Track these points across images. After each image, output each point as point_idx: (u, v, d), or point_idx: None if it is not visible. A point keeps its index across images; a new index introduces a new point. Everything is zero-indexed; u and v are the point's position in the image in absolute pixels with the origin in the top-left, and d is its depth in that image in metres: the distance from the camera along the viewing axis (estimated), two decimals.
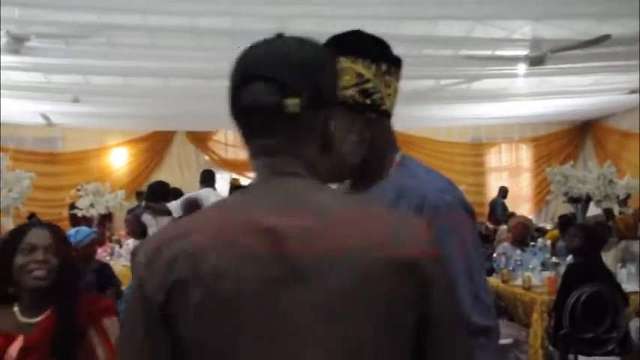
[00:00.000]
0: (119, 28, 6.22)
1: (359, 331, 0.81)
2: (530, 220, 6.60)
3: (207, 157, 12.03)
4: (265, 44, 0.91)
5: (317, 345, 0.80)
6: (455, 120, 11.26)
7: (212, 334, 0.83)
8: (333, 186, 1.21)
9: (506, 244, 5.77)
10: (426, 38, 6.55)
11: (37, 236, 1.86)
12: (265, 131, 0.90)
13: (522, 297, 4.58)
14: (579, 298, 3.81)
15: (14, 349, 1.76)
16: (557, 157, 11.82)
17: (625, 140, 10.65)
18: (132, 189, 10.41)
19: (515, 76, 7.48)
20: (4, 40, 5.72)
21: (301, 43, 0.93)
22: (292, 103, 0.86)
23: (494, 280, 5.07)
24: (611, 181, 8.03)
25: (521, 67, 6.89)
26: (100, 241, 6.18)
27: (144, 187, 10.26)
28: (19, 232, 1.91)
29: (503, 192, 10.94)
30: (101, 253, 5.94)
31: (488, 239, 7.40)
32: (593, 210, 8.06)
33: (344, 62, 1.25)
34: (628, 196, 8.37)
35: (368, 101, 1.29)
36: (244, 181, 8.75)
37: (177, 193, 6.35)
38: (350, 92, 1.26)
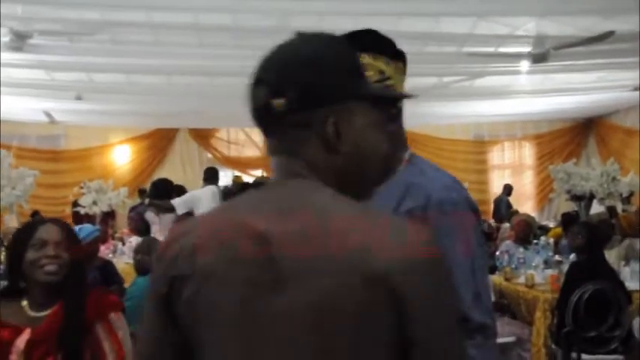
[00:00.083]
0: (122, 25, 6.22)
1: (334, 343, 0.79)
2: (532, 218, 6.58)
3: (209, 155, 12.04)
4: (278, 45, 0.93)
5: (291, 354, 0.81)
6: (457, 117, 11.25)
7: (198, 331, 0.87)
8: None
9: (509, 241, 5.77)
10: (429, 35, 6.54)
11: (48, 232, 1.89)
12: (267, 132, 0.93)
13: (525, 295, 4.57)
14: (582, 296, 3.80)
15: (21, 341, 1.79)
16: (560, 154, 11.80)
17: (628, 137, 10.62)
18: (135, 186, 10.43)
19: (518, 73, 7.46)
20: (7, 37, 5.73)
21: (307, 41, 0.92)
22: (277, 104, 0.87)
23: (497, 278, 5.06)
24: (614, 179, 8.01)
25: (524, 64, 6.87)
26: (103, 238, 6.19)
27: (147, 185, 10.30)
28: (29, 228, 1.94)
29: (508, 190, 10.92)
30: (104, 251, 5.95)
31: (490, 237, 7.39)
32: (597, 208, 8.04)
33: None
34: (631, 194, 8.36)
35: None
36: (247, 179, 8.75)
37: (180, 191, 6.36)
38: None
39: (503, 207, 10.32)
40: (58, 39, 6.39)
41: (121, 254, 6.32)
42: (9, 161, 6.86)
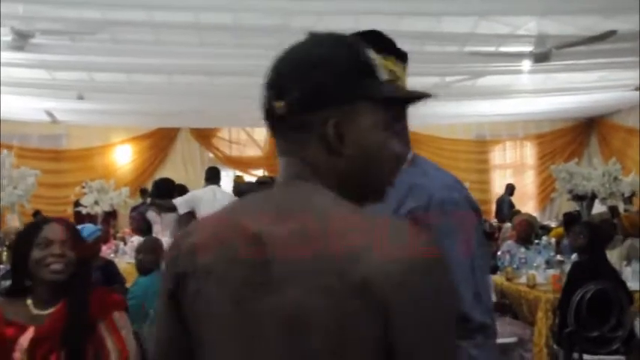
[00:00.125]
0: (123, 24, 6.22)
1: (316, 346, 0.79)
2: (534, 218, 6.58)
3: (211, 155, 12.04)
4: (290, 46, 0.94)
5: (276, 356, 0.82)
6: (459, 117, 11.24)
7: (199, 329, 0.89)
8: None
9: (510, 241, 5.76)
10: (430, 34, 6.53)
11: (53, 231, 1.91)
12: (273, 134, 0.93)
13: (527, 295, 4.57)
14: (584, 296, 3.79)
15: (25, 339, 1.81)
16: (562, 154, 11.78)
17: (630, 137, 10.61)
18: (136, 186, 10.44)
19: (519, 72, 7.46)
20: (8, 36, 5.73)
21: (314, 42, 0.92)
22: (278, 106, 0.88)
23: (498, 278, 5.05)
24: (616, 179, 7.99)
25: (526, 64, 6.86)
26: (105, 238, 6.20)
27: (148, 185, 10.31)
28: (35, 227, 1.96)
29: (510, 189, 10.91)
30: (105, 251, 5.95)
31: (492, 237, 7.38)
32: (598, 207, 8.03)
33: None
34: (633, 194, 8.34)
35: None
36: (248, 179, 8.76)
37: (182, 190, 6.36)
38: None
39: (506, 207, 10.31)
40: (60, 38, 6.40)
41: (123, 254, 6.32)
42: (10, 161, 6.86)
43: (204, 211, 5.76)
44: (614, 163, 8.21)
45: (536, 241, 5.60)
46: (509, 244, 5.60)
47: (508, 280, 4.91)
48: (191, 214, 5.80)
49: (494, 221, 9.77)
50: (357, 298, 0.77)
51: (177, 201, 5.77)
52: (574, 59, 6.82)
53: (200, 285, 0.87)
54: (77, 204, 8.42)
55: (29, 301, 1.89)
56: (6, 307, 1.89)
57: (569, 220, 6.52)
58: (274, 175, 6.51)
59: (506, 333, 4.17)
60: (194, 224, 0.98)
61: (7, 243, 5.73)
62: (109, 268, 4.40)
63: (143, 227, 6.02)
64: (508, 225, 7.88)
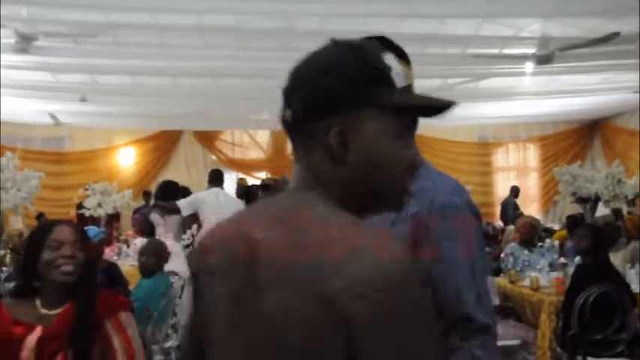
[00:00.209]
0: (126, 27, 6.24)
1: (285, 355, 0.81)
2: (537, 221, 6.56)
3: (214, 157, 12.05)
4: (306, 54, 0.94)
5: (263, 358, 0.84)
6: (462, 119, 11.21)
7: (206, 326, 0.93)
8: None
9: (513, 244, 5.74)
10: (434, 36, 6.54)
11: (63, 233, 1.94)
12: (290, 141, 0.95)
13: (530, 298, 4.55)
14: (588, 298, 3.78)
15: (33, 338, 1.84)
16: (565, 156, 11.77)
17: (633, 139, 10.58)
18: (139, 188, 10.44)
19: (522, 74, 7.45)
20: (12, 39, 5.75)
21: (327, 49, 0.92)
22: (286, 114, 0.90)
23: (501, 281, 5.04)
24: (619, 181, 7.99)
25: (529, 66, 6.86)
26: (108, 240, 6.20)
27: (151, 187, 10.32)
28: (45, 229, 1.99)
29: (515, 192, 10.88)
30: (108, 253, 5.96)
31: (495, 239, 7.37)
32: (602, 210, 8.02)
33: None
34: (637, 196, 8.32)
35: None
36: (251, 181, 8.76)
37: (185, 192, 6.37)
38: None
39: (510, 209, 10.29)
40: (63, 41, 6.42)
41: (126, 256, 6.33)
42: (14, 163, 6.88)
43: (207, 213, 5.76)
44: (618, 166, 8.20)
45: (540, 243, 5.58)
46: (512, 247, 5.59)
47: (511, 282, 4.90)
48: (194, 217, 5.80)
49: (498, 224, 9.76)
50: (322, 309, 0.78)
51: (181, 203, 5.78)
52: (577, 61, 6.81)
53: (205, 284, 0.92)
54: (80, 206, 8.44)
55: (37, 302, 1.92)
56: (14, 307, 1.93)
57: (573, 223, 6.51)
58: (277, 177, 6.53)
59: (509, 336, 4.16)
60: (212, 227, 1.00)
61: (10, 245, 5.74)
62: (112, 270, 4.40)
63: (146, 229, 6.02)
64: (511, 227, 7.87)
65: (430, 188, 1.39)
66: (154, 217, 6.13)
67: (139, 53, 6.85)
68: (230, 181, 8.66)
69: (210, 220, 5.73)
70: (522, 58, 6.61)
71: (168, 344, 4.17)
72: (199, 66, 7.23)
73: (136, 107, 9.68)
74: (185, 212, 5.76)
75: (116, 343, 1.92)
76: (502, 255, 5.57)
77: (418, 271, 0.82)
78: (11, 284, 4.30)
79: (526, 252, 5.31)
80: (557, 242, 5.98)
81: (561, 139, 12.37)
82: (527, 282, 4.75)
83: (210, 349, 0.91)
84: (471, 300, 1.35)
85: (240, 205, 6.35)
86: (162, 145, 11.93)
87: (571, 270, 4.45)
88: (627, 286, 4.10)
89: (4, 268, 5.24)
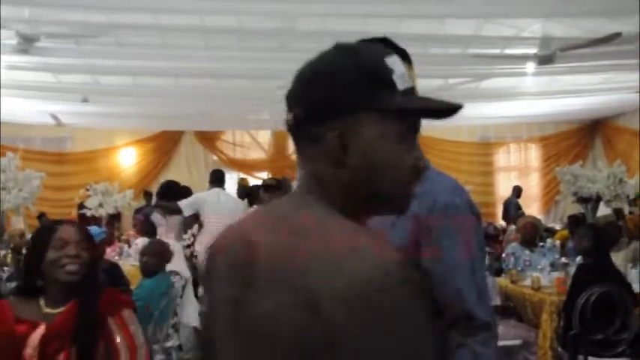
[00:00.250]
0: (128, 27, 6.24)
1: (277, 355, 0.81)
2: (539, 220, 6.55)
3: (215, 157, 12.06)
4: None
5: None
6: (463, 119, 11.20)
7: (210, 325, 0.94)
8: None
9: (515, 244, 5.74)
10: (434, 37, 6.54)
11: (68, 232, 1.96)
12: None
13: (531, 297, 4.55)
14: (589, 298, 3.78)
15: (36, 336, 1.86)
16: (566, 156, 11.76)
17: (635, 139, 10.56)
18: (140, 189, 10.45)
19: (524, 74, 7.44)
20: (14, 40, 5.76)
21: (325, 53, 0.92)
22: (288, 118, 0.91)
23: (502, 281, 5.04)
24: (621, 181, 7.98)
25: (530, 66, 6.85)
26: (109, 240, 6.21)
27: (152, 187, 10.32)
28: (49, 228, 2.00)
29: (517, 191, 10.87)
30: (110, 253, 5.97)
31: (496, 239, 7.37)
32: (603, 210, 8.01)
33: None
34: (638, 196, 8.31)
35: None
36: (252, 181, 8.76)
37: (186, 192, 6.37)
38: None
39: (513, 209, 10.28)
40: (65, 42, 6.42)
41: (127, 256, 6.34)
42: (15, 163, 6.88)
43: (208, 213, 5.77)
44: (619, 166, 8.19)
45: (541, 243, 5.58)
46: (513, 247, 5.59)
47: (512, 282, 4.90)
48: (195, 217, 5.81)
49: (500, 223, 9.76)
50: (309, 313, 0.78)
51: (182, 203, 5.79)
52: (578, 61, 6.80)
53: (211, 285, 0.94)
54: (81, 206, 8.44)
55: (41, 301, 1.94)
56: (17, 305, 1.95)
57: (574, 223, 6.50)
58: (279, 177, 6.54)
59: (510, 335, 4.16)
60: (221, 229, 1.01)
61: (11, 245, 5.75)
62: (114, 270, 4.40)
63: (148, 229, 6.03)
64: (512, 227, 7.87)
65: (431, 188, 1.40)
66: (156, 217, 6.14)
67: (141, 54, 6.85)
68: (231, 181, 8.66)
69: (210, 220, 5.75)
70: (524, 58, 6.61)
71: (169, 344, 4.17)
72: (201, 66, 7.23)
73: (138, 108, 9.69)
74: (187, 212, 5.77)
75: (119, 339, 1.94)
76: (503, 255, 5.57)
77: (409, 280, 0.80)
78: (12, 284, 4.31)
79: (527, 252, 5.31)
80: (558, 242, 5.98)
81: (563, 139, 12.36)
82: (528, 282, 4.75)
83: (216, 348, 0.92)
84: (472, 298, 1.37)
85: (241, 205, 6.36)
86: (164, 145, 11.94)
87: (572, 270, 4.45)
88: (628, 285, 4.10)
89: (6, 268, 5.24)
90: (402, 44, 0.97)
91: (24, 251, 5.51)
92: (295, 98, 0.90)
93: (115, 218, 8.69)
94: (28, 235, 6.19)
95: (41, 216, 8.68)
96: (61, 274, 1.91)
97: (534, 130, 12.38)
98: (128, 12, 5.85)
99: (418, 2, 5.62)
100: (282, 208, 0.93)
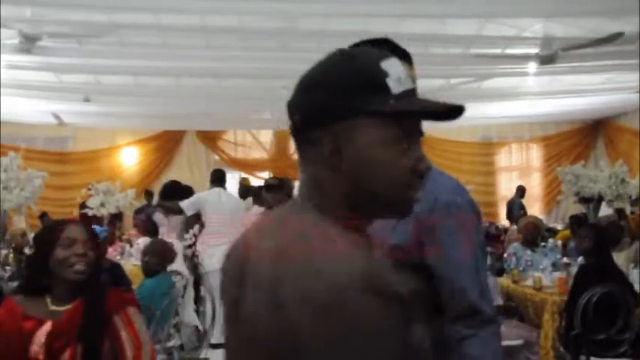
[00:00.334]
0: (129, 27, 6.25)
1: (254, 354, 0.85)
2: (540, 220, 6.54)
3: (216, 157, 12.06)
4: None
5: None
6: (465, 119, 10.85)
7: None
8: None
9: (516, 244, 5.73)
10: (436, 37, 6.54)
11: (75, 231, 1.98)
12: None
13: (533, 297, 4.55)
14: (591, 298, 3.77)
15: (43, 332, 1.88)
16: (568, 156, 11.74)
17: (637, 139, 10.54)
18: (142, 188, 10.46)
19: (525, 74, 7.44)
20: (16, 39, 5.76)
21: (327, 59, 0.93)
22: (289, 125, 0.93)
23: (504, 281, 5.04)
24: (622, 181, 7.96)
25: (532, 66, 6.84)
26: (111, 240, 6.21)
27: (154, 187, 10.33)
28: (56, 227, 2.03)
29: (521, 192, 10.86)
30: (111, 253, 5.97)
31: (498, 239, 7.36)
32: (605, 210, 8.00)
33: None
34: None
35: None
36: (254, 181, 8.77)
37: (188, 191, 6.37)
38: None
39: (516, 209, 10.27)
40: (67, 41, 6.43)
41: (129, 256, 6.34)
42: (17, 163, 6.89)
43: (209, 213, 5.77)
44: (621, 166, 8.17)
45: (543, 243, 5.58)
46: (515, 247, 5.58)
47: (514, 282, 4.89)
48: (197, 217, 5.81)
49: (502, 223, 9.75)
50: (276, 315, 0.81)
51: (184, 204, 5.79)
52: (580, 61, 6.80)
53: (222, 285, 0.97)
54: (83, 206, 8.44)
55: (47, 299, 1.96)
56: (24, 303, 1.97)
57: (576, 223, 6.49)
58: (281, 176, 6.53)
59: (512, 335, 4.16)
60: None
61: (13, 245, 5.75)
62: (116, 270, 4.41)
63: (150, 229, 6.04)
64: (514, 227, 7.86)
65: (432, 188, 1.41)
66: (158, 216, 6.14)
67: (143, 53, 6.86)
68: (233, 180, 8.67)
69: (212, 220, 5.75)
70: (525, 58, 6.60)
71: (171, 343, 4.17)
72: (202, 66, 7.24)
73: (139, 107, 9.70)
74: (188, 212, 5.78)
75: (124, 335, 1.96)
76: (505, 255, 5.57)
77: (379, 290, 0.80)
78: (14, 283, 4.31)
79: (529, 252, 5.30)
80: (560, 242, 5.98)
81: (564, 139, 12.35)
82: (530, 282, 4.74)
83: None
84: (476, 295, 1.41)
85: (242, 205, 6.36)
86: (165, 145, 11.95)
87: (574, 270, 4.44)
88: (630, 286, 4.09)
89: (7, 268, 5.25)
90: (404, 44, 0.97)
91: (26, 251, 5.53)
92: (295, 106, 0.92)
93: (116, 218, 8.69)
94: (30, 235, 6.20)
95: (43, 215, 8.68)
96: (69, 272, 1.93)
97: (536, 130, 12.37)
98: (130, 12, 5.86)
99: (419, 2, 5.61)
100: (280, 213, 0.96)
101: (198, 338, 4.83)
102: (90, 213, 8.06)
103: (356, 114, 0.88)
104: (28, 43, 5.80)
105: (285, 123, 0.95)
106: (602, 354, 3.83)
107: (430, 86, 7.86)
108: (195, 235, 5.67)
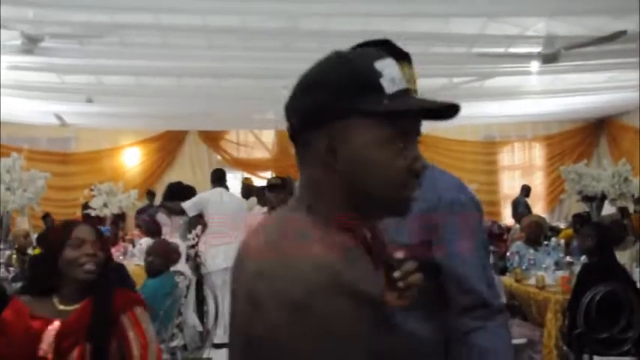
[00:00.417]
0: (131, 27, 6.26)
1: (239, 351, 0.87)
2: (543, 219, 6.53)
3: (219, 157, 12.07)
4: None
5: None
6: (467, 118, 11.18)
7: None
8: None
9: (519, 243, 5.73)
10: (438, 36, 6.53)
11: (84, 232, 2.00)
12: None
13: (536, 296, 4.54)
14: (594, 297, 3.77)
15: (51, 332, 1.90)
16: (571, 155, 11.73)
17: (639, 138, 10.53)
18: (144, 188, 10.48)
19: (528, 73, 7.43)
20: (18, 40, 5.78)
21: (322, 61, 0.93)
22: (287, 127, 0.94)
23: (507, 280, 5.03)
24: (626, 179, 7.95)
25: (535, 65, 6.84)
26: (113, 240, 6.22)
27: (156, 187, 10.35)
28: (66, 228, 2.04)
29: (526, 191, 10.84)
30: (114, 253, 5.96)
31: (501, 238, 7.35)
32: (608, 209, 7.99)
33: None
34: None
35: None
36: (257, 181, 8.77)
37: (191, 192, 6.38)
38: None
39: (521, 208, 10.26)
40: (69, 42, 6.44)
41: (132, 256, 6.35)
42: (20, 164, 6.90)
43: (211, 213, 5.78)
44: (624, 164, 8.16)
45: (546, 242, 5.57)
46: (518, 246, 5.58)
47: (517, 281, 4.88)
48: (199, 217, 5.82)
49: (504, 223, 9.74)
50: (253, 312, 0.83)
51: (186, 204, 5.80)
52: (583, 60, 6.79)
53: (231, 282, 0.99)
54: (86, 206, 8.47)
55: (55, 299, 1.97)
56: (31, 303, 1.98)
57: (579, 222, 6.48)
58: (283, 176, 6.54)
59: (515, 334, 4.15)
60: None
61: (16, 246, 5.76)
62: (119, 271, 4.39)
63: (153, 229, 6.04)
64: (517, 226, 7.85)
65: (435, 186, 1.43)
66: (161, 217, 6.15)
67: (144, 54, 6.87)
68: (235, 180, 8.68)
69: (214, 220, 5.76)
70: (528, 56, 6.59)
71: (174, 343, 4.18)
72: (203, 66, 7.24)
73: (141, 108, 9.71)
74: (191, 213, 5.78)
75: (131, 335, 1.98)
76: (508, 254, 5.56)
77: (351, 291, 0.81)
78: (18, 284, 4.32)
79: (532, 251, 5.30)
80: (562, 241, 5.97)
81: (567, 138, 12.33)
82: (532, 281, 4.74)
83: None
84: (484, 289, 1.44)
85: (244, 204, 6.36)
86: (168, 145, 11.96)
87: (577, 269, 4.44)
88: (634, 284, 4.09)
89: (11, 269, 5.26)
90: (406, 43, 0.97)
91: (29, 251, 5.54)
92: (292, 108, 0.93)
93: (119, 218, 8.70)
94: (33, 236, 6.21)
95: (46, 216, 8.71)
96: (79, 272, 1.94)
97: (539, 129, 12.36)
98: (131, 12, 5.86)
99: (422, 1, 5.60)
100: (279, 213, 0.99)
101: (201, 338, 4.83)
102: (93, 213, 8.08)
103: (350, 114, 0.88)
104: (31, 44, 5.81)
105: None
106: (605, 352, 3.83)
107: (433, 85, 7.85)
108: (197, 236, 5.68)
